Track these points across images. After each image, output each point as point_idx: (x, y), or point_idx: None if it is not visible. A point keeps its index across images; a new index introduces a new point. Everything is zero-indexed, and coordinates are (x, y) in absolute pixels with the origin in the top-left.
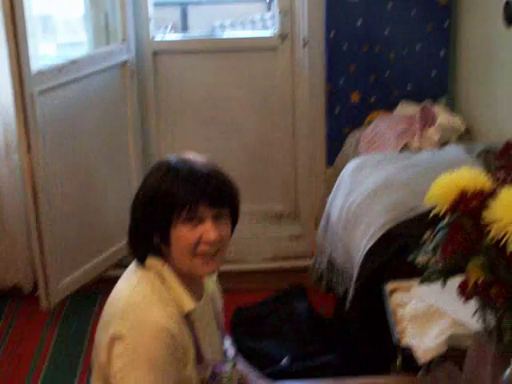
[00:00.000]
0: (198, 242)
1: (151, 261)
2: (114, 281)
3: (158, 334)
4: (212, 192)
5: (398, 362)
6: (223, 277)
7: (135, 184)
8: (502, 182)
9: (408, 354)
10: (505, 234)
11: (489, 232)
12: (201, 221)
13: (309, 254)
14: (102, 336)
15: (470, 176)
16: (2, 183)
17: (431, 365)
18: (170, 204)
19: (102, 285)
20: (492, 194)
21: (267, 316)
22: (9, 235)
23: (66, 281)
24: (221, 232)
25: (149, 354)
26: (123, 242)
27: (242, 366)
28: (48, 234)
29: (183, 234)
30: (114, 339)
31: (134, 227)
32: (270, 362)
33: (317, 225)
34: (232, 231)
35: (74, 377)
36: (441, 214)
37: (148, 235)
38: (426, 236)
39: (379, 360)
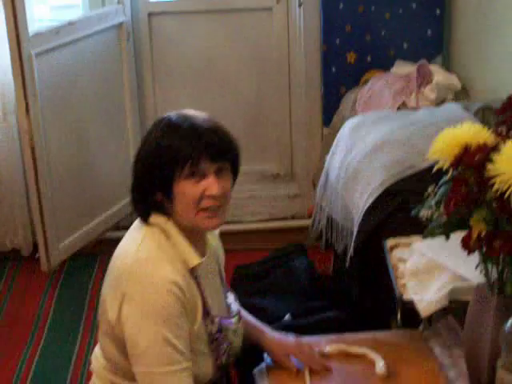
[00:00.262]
0: (201, 197)
1: (155, 218)
2: (112, 243)
3: (167, 288)
4: (214, 146)
5: (399, 316)
6: (220, 237)
7: (132, 145)
8: (504, 137)
9: (408, 309)
10: (508, 187)
11: (492, 185)
12: (203, 176)
13: (305, 214)
14: (109, 293)
15: (472, 131)
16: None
17: (432, 318)
18: (172, 160)
19: (100, 247)
20: (495, 148)
21: (267, 274)
22: (7, 198)
23: (66, 243)
24: (223, 186)
25: (160, 309)
26: (121, 204)
27: (254, 321)
28: (47, 196)
29: (186, 190)
30: (124, 298)
31: (136, 185)
32: (272, 319)
33: (314, 185)
34: (232, 187)
35: (76, 336)
36: (444, 169)
37: (151, 192)
38: (429, 190)
39: (380, 316)
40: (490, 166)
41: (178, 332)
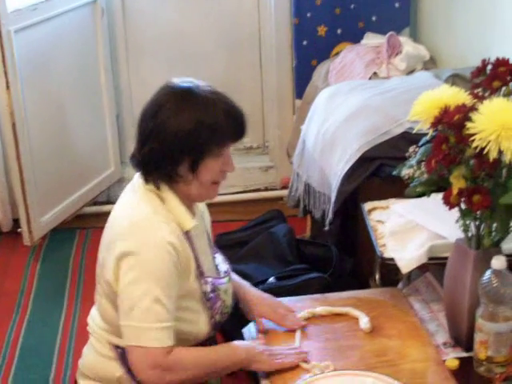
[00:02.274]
0: (220, 173)
1: (160, 185)
2: (89, 217)
3: (162, 248)
4: (245, 131)
5: (378, 275)
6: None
7: (107, 120)
8: (481, 97)
9: (385, 270)
10: (487, 144)
11: (471, 143)
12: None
13: (278, 185)
14: (106, 255)
15: (450, 93)
16: None
17: (410, 276)
18: (214, 140)
19: (79, 221)
20: (473, 108)
21: (248, 240)
22: None
23: (46, 217)
24: None
25: (155, 268)
26: (98, 179)
27: (238, 279)
28: (28, 171)
29: (213, 167)
30: (121, 257)
31: (161, 156)
32: (256, 283)
33: (289, 156)
34: None
35: (61, 306)
36: (425, 129)
37: (174, 164)
38: (410, 151)
39: (359, 277)
40: (469, 125)
41: (169, 291)
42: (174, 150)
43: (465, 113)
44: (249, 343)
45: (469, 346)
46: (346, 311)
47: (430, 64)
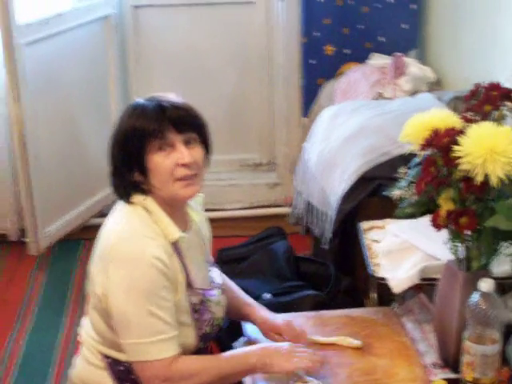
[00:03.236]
0: (174, 167)
1: (134, 197)
2: (96, 228)
3: (150, 263)
4: (178, 118)
5: (373, 294)
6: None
7: None
8: (470, 121)
9: (382, 289)
10: (474, 168)
11: (459, 166)
12: (173, 147)
13: (285, 202)
14: (95, 270)
15: (440, 116)
16: None
17: (404, 296)
18: (140, 137)
19: (85, 232)
20: (462, 131)
21: (248, 256)
22: None
23: (52, 228)
24: (194, 155)
25: (144, 283)
26: (106, 191)
27: (246, 298)
28: (36, 182)
29: (159, 162)
30: (110, 274)
31: (114, 169)
32: (253, 298)
33: (293, 173)
34: (207, 161)
35: (63, 316)
36: (415, 151)
37: (128, 173)
38: (400, 172)
39: (355, 296)
40: (456, 148)
41: (163, 303)
42: (118, 159)
43: (453, 136)
44: (263, 345)
45: (456, 367)
46: (336, 340)
47: (436, 86)
